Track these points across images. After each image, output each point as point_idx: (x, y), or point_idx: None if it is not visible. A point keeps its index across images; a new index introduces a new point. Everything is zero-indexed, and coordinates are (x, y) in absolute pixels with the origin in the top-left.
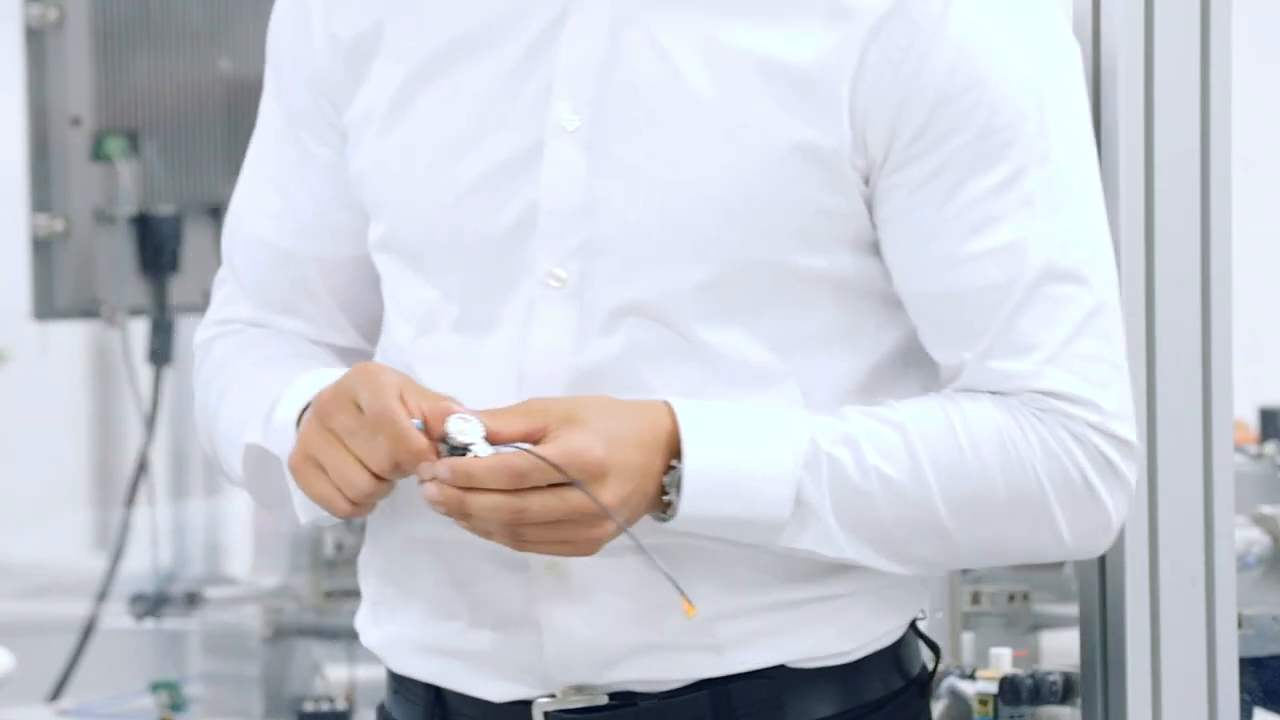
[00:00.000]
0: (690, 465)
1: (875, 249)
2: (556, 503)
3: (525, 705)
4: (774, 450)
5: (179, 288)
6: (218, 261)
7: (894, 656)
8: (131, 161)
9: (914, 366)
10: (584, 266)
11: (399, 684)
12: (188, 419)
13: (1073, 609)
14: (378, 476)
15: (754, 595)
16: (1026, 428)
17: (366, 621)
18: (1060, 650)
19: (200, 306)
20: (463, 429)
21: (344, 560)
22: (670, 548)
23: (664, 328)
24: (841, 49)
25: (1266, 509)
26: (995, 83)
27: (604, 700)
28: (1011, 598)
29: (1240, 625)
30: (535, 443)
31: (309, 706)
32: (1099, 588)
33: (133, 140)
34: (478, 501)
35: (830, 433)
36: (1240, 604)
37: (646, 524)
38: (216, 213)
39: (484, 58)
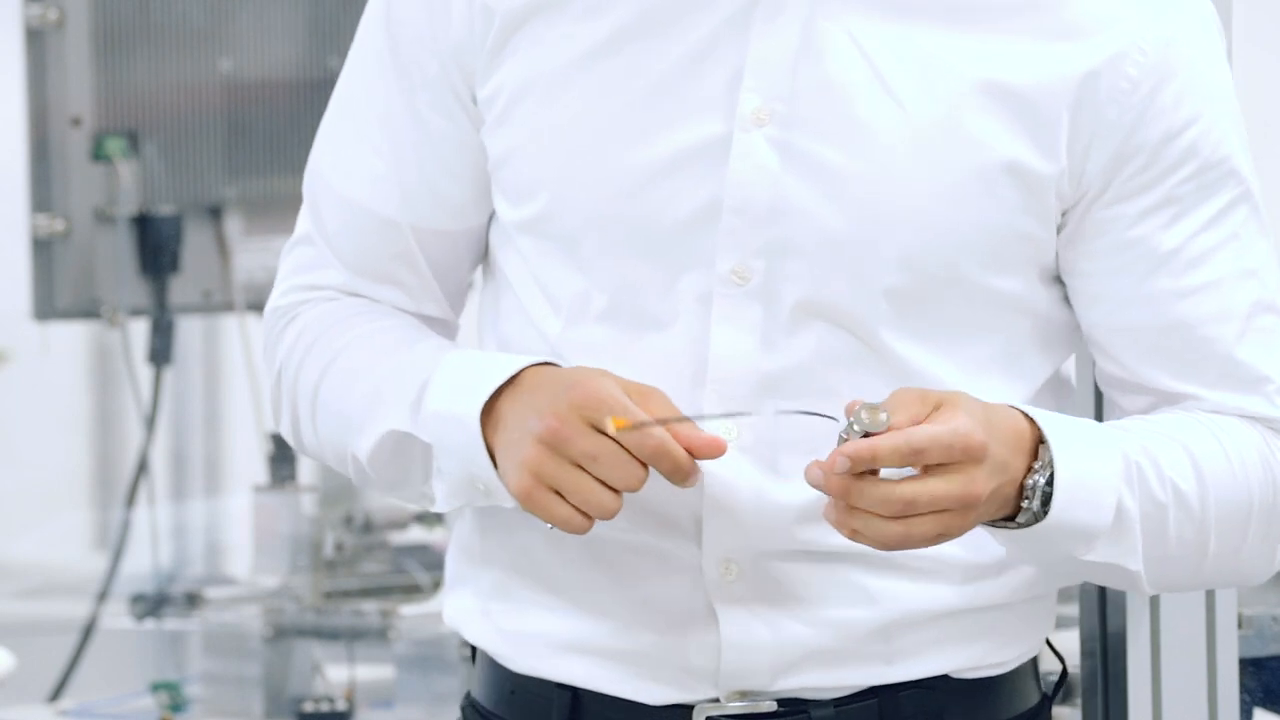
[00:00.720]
0: (1061, 473)
1: (1053, 276)
2: (945, 488)
3: (682, 709)
4: (1102, 459)
5: (179, 288)
6: (218, 261)
7: (1034, 669)
8: (131, 161)
9: (1060, 395)
10: (770, 266)
11: (518, 685)
12: (188, 419)
13: (1073, 609)
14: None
15: (932, 603)
16: (1276, 446)
17: (472, 617)
18: (1060, 650)
19: (200, 306)
20: (871, 419)
21: (344, 560)
22: (868, 553)
23: (852, 336)
24: (1064, 74)
25: None
26: (1214, 117)
27: (772, 706)
28: None
29: (1240, 625)
30: None
31: (309, 706)
32: (1099, 588)
33: (133, 140)
34: (861, 496)
35: (1130, 442)
36: (1240, 604)
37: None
38: (216, 213)
39: (665, 39)
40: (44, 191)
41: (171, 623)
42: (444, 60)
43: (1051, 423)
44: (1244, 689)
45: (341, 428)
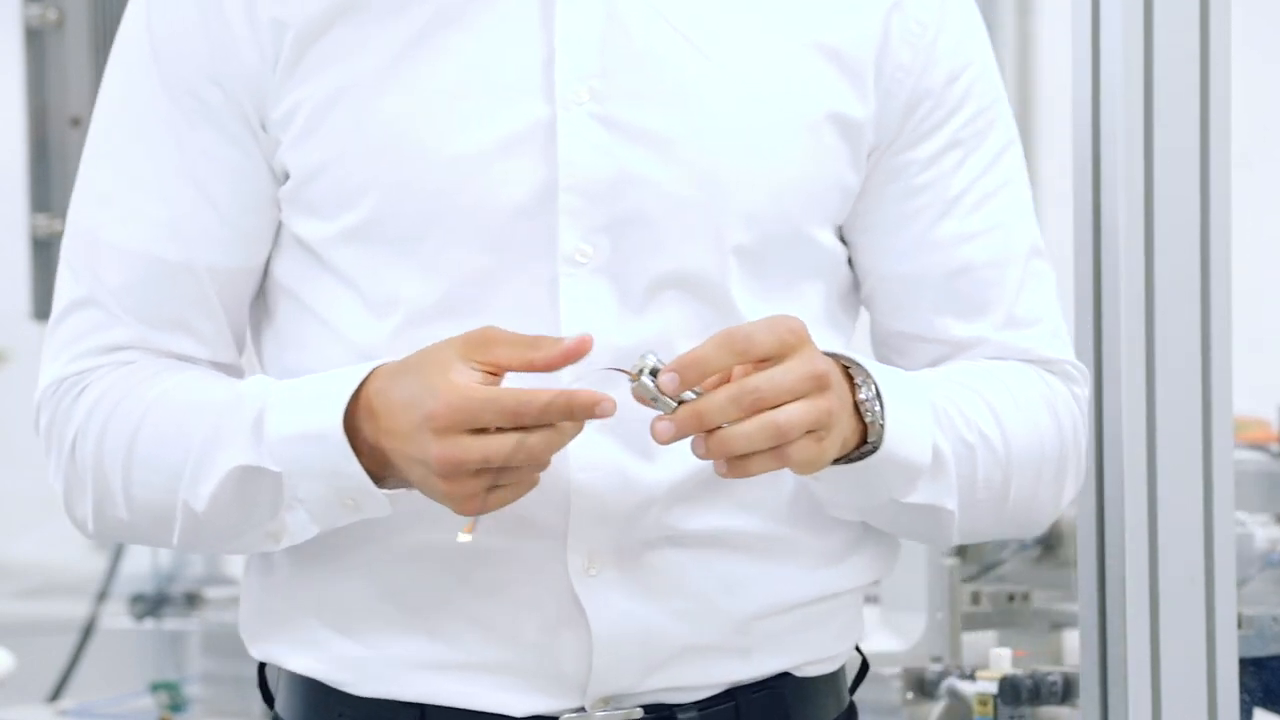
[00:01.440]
0: (886, 398)
1: (841, 235)
2: (785, 371)
3: None
4: (912, 400)
5: None
6: None
7: (843, 668)
8: None
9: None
10: (614, 241)
11: (350, 708)
12: None
13: (1072, 609)
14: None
15: (788, 592)
16: (1057, 389)
17: (292, 650)
18: (1059, 650)
19: None
20: (653, 359)
21: None
22: (728, 538)
23: (703, 303)
24: (868, 19)
25: None
26: (983, 62)
27: (639, 714)
28: (1011, 598)
29: (1240, 625)
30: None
31: None
32: (1099, 588)
33: None
34: (711, 405)
35: (933, 388)
36: (1240, 604)
37: (730, 506)
38: None
39: (472, 28)
40: (44, 191)
41: (171, 623)
42: (228, 86)
43: (858, 356)
44: (1244, 689)
45: (168, 482)
